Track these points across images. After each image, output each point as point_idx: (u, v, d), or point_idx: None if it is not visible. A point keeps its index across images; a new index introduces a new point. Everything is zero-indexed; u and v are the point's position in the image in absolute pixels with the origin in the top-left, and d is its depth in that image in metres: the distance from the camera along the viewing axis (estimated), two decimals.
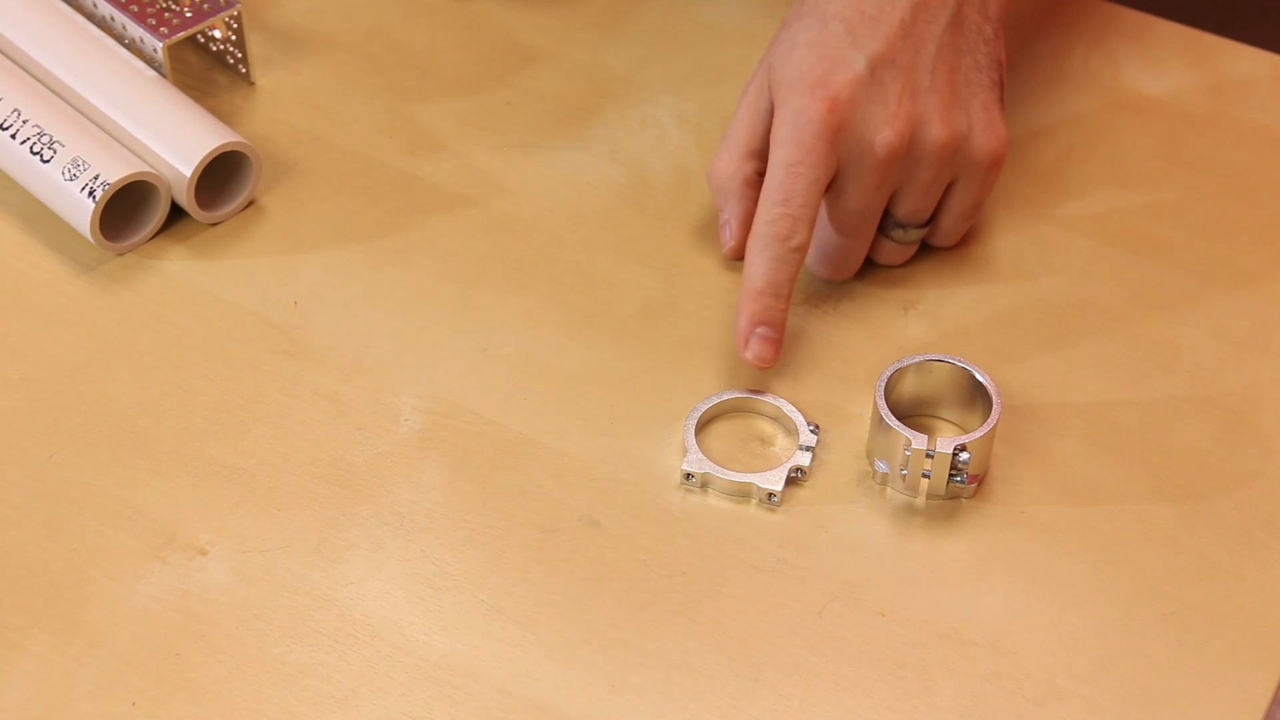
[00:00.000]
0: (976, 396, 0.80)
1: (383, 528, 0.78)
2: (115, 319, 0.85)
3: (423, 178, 0.92)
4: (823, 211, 0.85)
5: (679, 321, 0.86)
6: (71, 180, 0.86)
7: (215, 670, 0.74)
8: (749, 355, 0.82)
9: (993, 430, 0.77)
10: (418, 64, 0.97)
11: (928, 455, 0.77)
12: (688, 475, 0.79)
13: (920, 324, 0.85)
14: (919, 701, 0.73)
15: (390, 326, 0.85)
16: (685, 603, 0.76)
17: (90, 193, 0.85)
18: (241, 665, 0.74)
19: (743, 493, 0.79)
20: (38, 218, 0.89)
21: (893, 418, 0.77)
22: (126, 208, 0.88)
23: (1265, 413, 0.82)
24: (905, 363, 0.80)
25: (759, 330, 0.82)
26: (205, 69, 0.96)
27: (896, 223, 0.86)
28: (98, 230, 0.86)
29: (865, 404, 0.82)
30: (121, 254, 0.88)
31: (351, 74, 0.96)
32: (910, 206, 0.85)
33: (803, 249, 0.82)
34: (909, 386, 0.81)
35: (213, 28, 0.95)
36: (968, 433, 0.78)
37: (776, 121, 0.82)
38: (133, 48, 0.92)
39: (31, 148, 0.87)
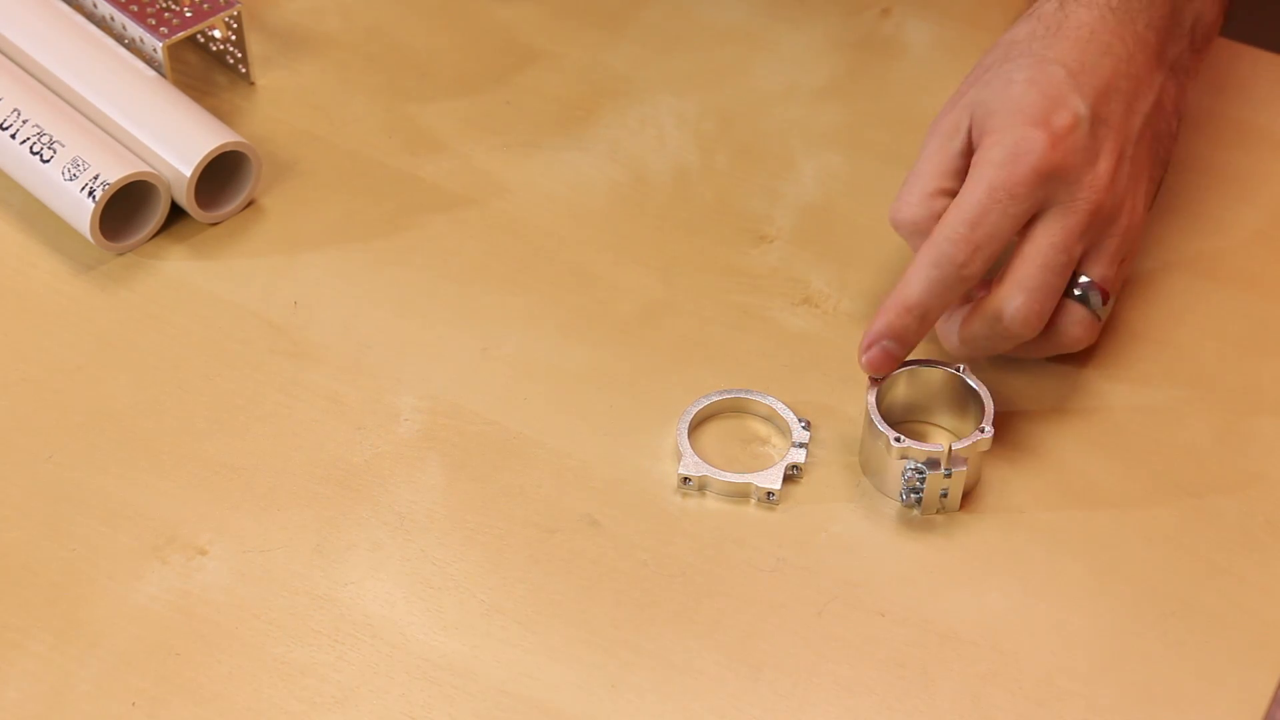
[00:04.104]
0: (969, 400, 0.80)
1: (382, 528, 0.78)
2: (115, 319, 0.85)
3: (423, 178, 0.92)
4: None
5: (679, 321, 0.86)
6: (71, 180, 0.86)
7: (215, 670, 0.74)
8: (864, 360, 0.78)
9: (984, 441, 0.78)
10: (418, 64, 0.97)
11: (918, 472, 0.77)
12: (685, 479, 0.79)
13: None
14: (919, 701, 0.73)
15: (390, 326, 0.85)
16: (685, 603, 0.76)
17: (90, 193, 0.85)
18: (241, 665, 0.74)
19: (741, 493, 0.79)
20: (38, 218, 0.89)
21: (886, 425, 0.77)
22: (126, 208, 0.88)
23: (1265, 413, 0.82)
24: (901, 366, 0.80)
25: (885, 343, 0.78)
26: (205, 69, 0.96)
27: (1089, 287, 0.80)
28: (98, 230, 0.86)
29: (863, 404, 0.81)
30: (121, 254, 0.88)
31: (351, 74, 0.96)
32: (1102, 271, 0.80)
33: (971, 280, 0.77)
34: (901, 393, 0.81)
35: (213, 28, 0.95)
36: (959, 439, 0.78)
37: (988, 144, 0.78)
38: (133, 48, 0.92)
39: (31, 148, 0.87)
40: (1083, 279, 0.80)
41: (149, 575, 0.76)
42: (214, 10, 0.92)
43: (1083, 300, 0.80)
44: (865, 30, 0.99)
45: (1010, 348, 0.80)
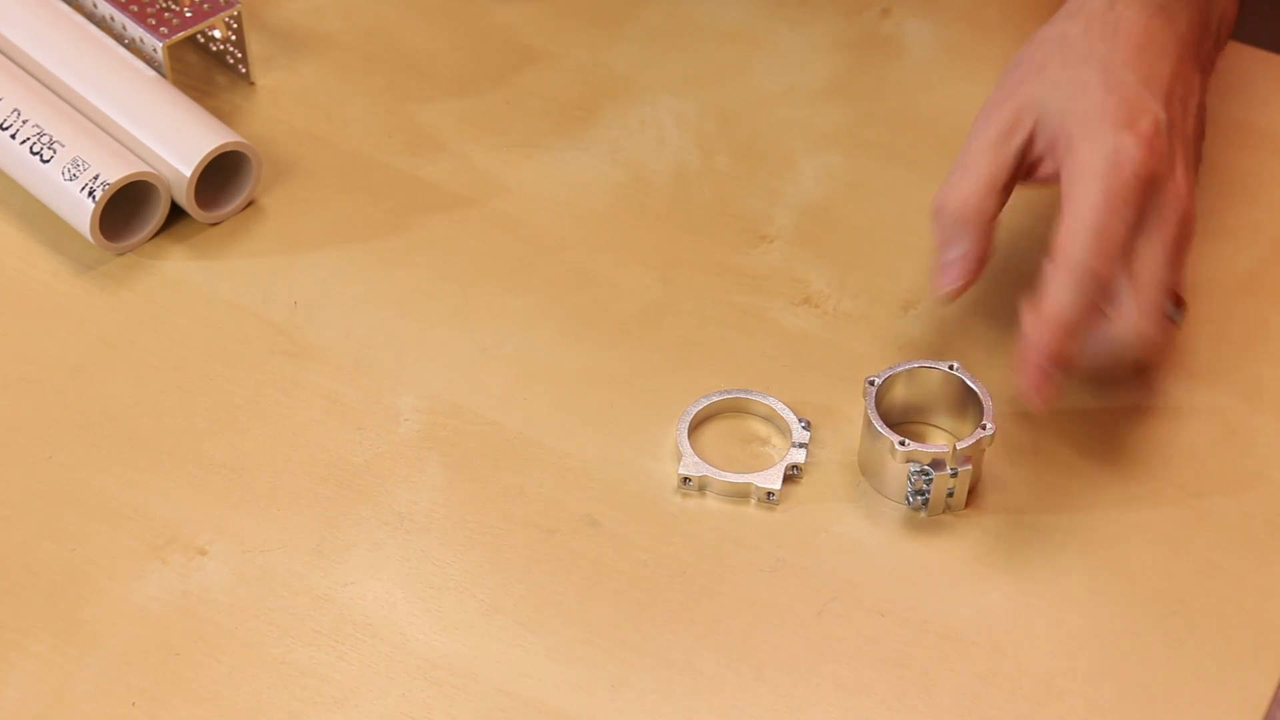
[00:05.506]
0: (967, 400, 0.80)
1: (383, 528, 0.78)
2: (115, 319, 0.85)
3: (423, 178, 0.92)
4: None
5: (679, 321, 0.86)
6: (71, 180, 0.86)
7: (215, 670, 0.74)
8: (1040, 397, 0.76)
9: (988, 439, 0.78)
10: (418, 64, 0.97)
11: (924, 474, 0.77)
12: (685, 479, 0.79)
13: (920, 324, 0.85)
14: (919, 701, 0.73)
15: (390, 326, 0.85)
16: (685, 603, 0.76)
17: (90, 193, 0.85)
18: (241, 665, 0.74)
19: (741, 493, 0.79)
20: (38, 218, 0.89)
21: (889, 431, 0.77)
22: (126, 208, 0.88)
23: (1265, 413, 0.82)
24: (896, 370, 0.80)
25: (1051, 371, 0.75)
26: (205, 69, 0.96)
27: (1171, 299, 0.79)
28: (98, 230, 0.86)
29: (863, 405, 0.81)
30: (121, 254, 0.88)
31: (351, 74, 0.96)
32: (1179, 280, 0.80)
33: (1108, 291, 0.76)
34: (899, 394, 0.81)
35: (213, 28, 0.95)
36: (961, 439, 0.78)
37: (1085, 150, 0.76)
38: (133, 48, 0.92)
39: (31, 148, 0.87)
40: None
41: (149, 575, 0.76)
42: (214, 10, 0.92)
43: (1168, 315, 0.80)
44: (865, 30, 0.99)
45: None
